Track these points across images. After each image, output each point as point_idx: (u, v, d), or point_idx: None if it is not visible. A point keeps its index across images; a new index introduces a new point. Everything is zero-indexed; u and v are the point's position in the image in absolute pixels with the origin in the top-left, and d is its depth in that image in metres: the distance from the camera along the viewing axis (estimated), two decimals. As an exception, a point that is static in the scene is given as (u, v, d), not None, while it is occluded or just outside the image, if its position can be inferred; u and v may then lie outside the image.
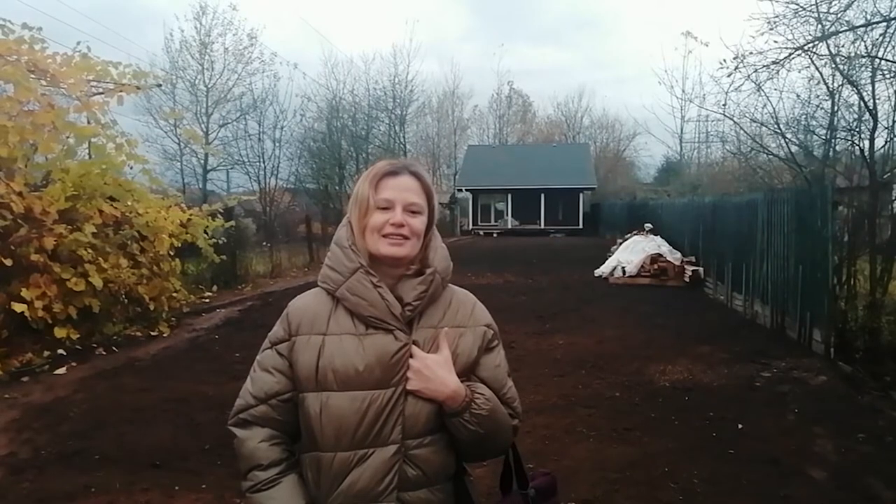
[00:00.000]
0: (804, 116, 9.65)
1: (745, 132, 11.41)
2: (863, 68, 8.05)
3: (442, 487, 1.38)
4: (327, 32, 77.64)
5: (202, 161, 29.07)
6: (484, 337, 1.44)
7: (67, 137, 7.68)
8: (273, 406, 1.37)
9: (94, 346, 7.42)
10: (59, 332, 6.89)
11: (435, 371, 1.32)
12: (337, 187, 28.58)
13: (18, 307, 6.37)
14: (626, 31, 77.90)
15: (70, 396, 5.62)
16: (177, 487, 3.75)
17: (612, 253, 15.19)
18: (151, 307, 8.49)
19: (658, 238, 14.76)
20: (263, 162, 23.56)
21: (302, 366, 1.34)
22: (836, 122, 8.87)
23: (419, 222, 1.37)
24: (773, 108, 9.74)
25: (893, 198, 8.05)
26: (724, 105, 10.18)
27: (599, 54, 76.84)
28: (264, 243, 16.41)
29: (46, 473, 3.97)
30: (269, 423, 1.38)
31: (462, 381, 1.35)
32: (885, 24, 7.36)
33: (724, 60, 8.88)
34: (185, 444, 4.42)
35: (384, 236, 1.34)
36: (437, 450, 1.36)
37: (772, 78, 8.75)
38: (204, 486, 3.77)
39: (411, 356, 1.33)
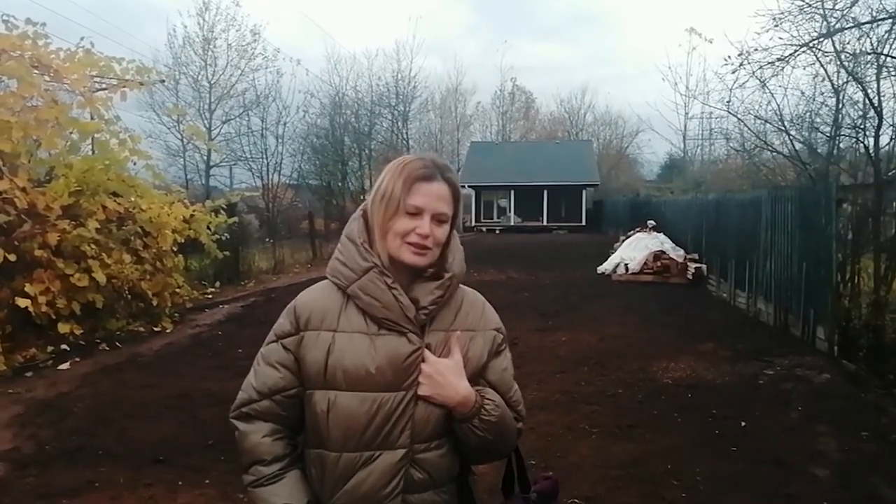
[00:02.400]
0: (809, 114, 9.63)
1: (749, 129, 11.40)
2: (868, 65, 8.02)
3: (446, 489, 1.37)
4: (330, 29, 77.59)
5: (205, 157, 29.12)
6: (494, 341, 1.41)
7: (71, 133, 7.68)
8: (277, 401, 1.34)
9: (98, 341, 7.43)
10: (63, 328, 6.91)
11: (447, 377, 1.29)
12: (340, 183, 28.63)
13: (22, 302, 6.38)
14: (628, 28, 77.80)
15: (73, 392, 5.63)
16: (180, 483, 3.76)
17: (615, 250, 15.17)
18: (154, 303, 8.51)
19: (661, 235, 14.73)
20: (266, 158, 23.67)
21: (310, 362, 1.31)
22: (840, 120, 8.85)
23: (443, 232, 1.33)
24: (778, 105, 9.74)
25: (898, 195, 8.01)
26: (729, 102, 10.18)
27: (602, 51, 76.68)
28: (267, 239, 16.44)
29: (50, 469, 3.98)
30: (272, 418, 1.35)
31: (473, 386, 1.34)
32: (890, 20, 7.33)
33: (729, 57, 8.88)
34: (188, 440, 4.43)
35: (408, 243, 1.30)
36: (444, 453, 1.34)
37: (776, 75, 8.75)
38: (207, 482, 3.77)
39: (423, 360, 1.31)
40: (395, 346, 1.30)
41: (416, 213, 1.30)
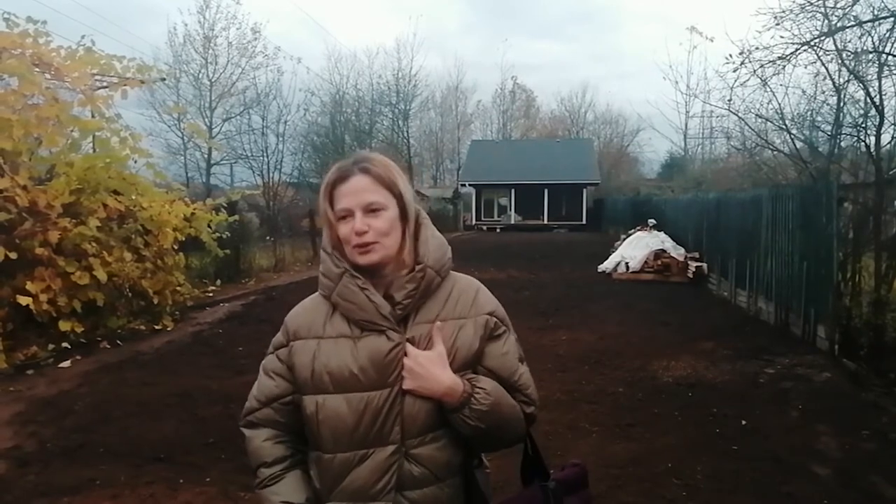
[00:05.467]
0: (810, 112, 9.61)
1: (750, 128, 11.36)
2: (869, 64, 8.01)
3: (451, 482, 1.36)
4: (330, 27, 77.53)
5: (206, 155, 29.10)
6: (486, 326, 1.39)
7: (72, 131, 7.69)
8: (275, 409, 1.41)
9: (99, 339, 7.44)
10: (64, 326, 6.92)
11: (428, 368, 1.29)
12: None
13: (23, 300, 6.39)
14: (629, 25, 77.64)
15: (74, 390, 5.64)
16: (181, 481, 3.77)
17: (616, 248, 15.16)
18: (155, 301, 8.51)
19: (662, 234, 14.72)
20: (267, 156, 23.55)
21: (299, 369, 1.35)
22: (841, 118, 8.82)
23: (383, 221, 1.31)
24: (779, 104, 9.70)
25: (899, 194, 8.00)
26: (730, 100, 10.15)
27: (602, 48, 76.64)
28: (268, 237, 16.41)
29: (51, 467, 3.99)
30: (273, 425, 1.42)
31: (465, 375, 1.33)
32: (892, 19, 7.31)
33: (730, 55, 8.86)
34: (189, 438, 4.44)
35: (354, 246, 1.31)
36: (441, 446, 1.34)
37: (777, 73, 8.72)
38: (208, 480, 3.78)
39: (405, 355, 1.31)
40: (375, 345, 1.31)
41: (346, 215, 1.32)
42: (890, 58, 7.56)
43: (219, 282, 12.16)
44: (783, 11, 7.99)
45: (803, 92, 9.71)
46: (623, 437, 4.39)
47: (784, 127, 9.78)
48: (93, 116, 7.90)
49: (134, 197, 8.42)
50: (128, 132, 8.20)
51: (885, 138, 7.79)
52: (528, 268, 14.89)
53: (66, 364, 6.50)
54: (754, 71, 8.72)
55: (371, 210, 1.31)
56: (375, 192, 1.32)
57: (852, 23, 7.61)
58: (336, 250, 1.36)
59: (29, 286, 6.51)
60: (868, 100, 7.88)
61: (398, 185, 1.35)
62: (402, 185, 1.36)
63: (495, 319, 1.42)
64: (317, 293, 1.42)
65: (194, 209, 9.52)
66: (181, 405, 5.16)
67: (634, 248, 13.86)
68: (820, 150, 9.52)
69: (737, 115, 10.80)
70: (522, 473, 1.53)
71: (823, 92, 9.10)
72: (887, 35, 7.47)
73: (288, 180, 25.48)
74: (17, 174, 6.68)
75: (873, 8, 7.57)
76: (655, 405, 5.05)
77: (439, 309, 1.37)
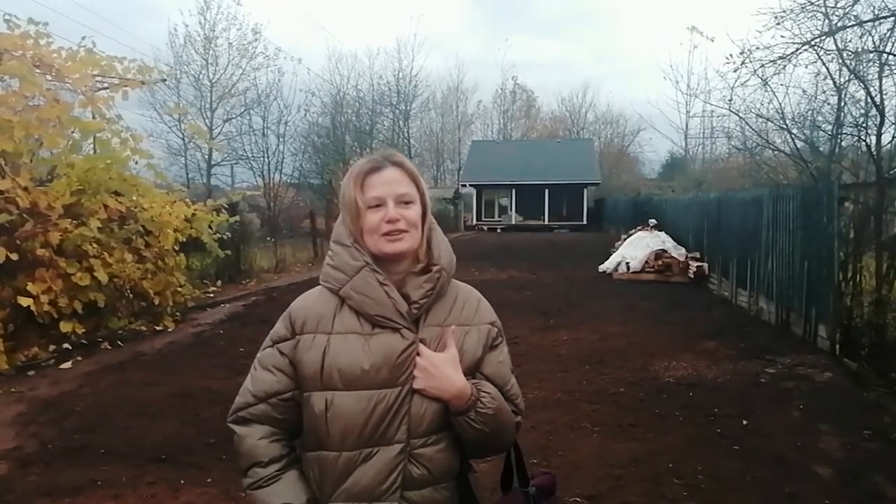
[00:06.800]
0: (810, 112, 9.64)
1: (751, 128, 11.40)
2: (870, 63, 8.02)
3: (447, 485, 1.38)
4: (331, 27, 77.64)
5: (206, 156, 29.17)
6: (488, 335, 1.43)
7: (73, 132, 7.68)
8: (273, 405, 1.36)
9: (100, 340, 7.44)
10: (65, 327, 6.91)
11: (441, 369, 1.31)
12: (341, 182, 28.67)
13: (24, 301, 6.39)
14: (629, 25, 77.71)
15: (76, 391, 5.64)
16: (182, 481, 3.77)
17: (617, 248, 15.16)
18: (156, 302, 8.51)
19: (662, 234, 14.71)
20: (267, 157, 23.69)
21: (307, 365, 1.33)
22: (842, 118, 8.84)
23: (413, 212, 1.35)
24: (779, 104, 9.74)
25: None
26: (730, 100, 10.18)
27: (603, 48, 76.66)
28: (268, 238, 16.43)
29: (53, 467, 3.99)
30: (269, 422, 1.37)
31: (468, 380, 1.35)
32: (893, 18, 7.33)
33: (731, 55, 8.89)
34: (190, 439, 4.44)
35: (383, 235, 1.32)
36: (443, 448, 1.35)
37: (778, 73, 8.76)
38: (209, 481, 3.78)
39: (418, 354, 1.32)
40: (389, 343, 1.31)
41: (378, 203, 1.33)
42: (890, 57, 7.57)
43: (219, 282, 12.17)
44: (784, 11, 8.03)
45: (804, 92, 9.76)
46: (624, 437, 4.39)
47: (785, 127, 9.80)
48: (94, 117, 7.89)
49: (135, 198, 8.42)
50: (129, 133, 8.18)
51: (886, 138, 7.82)
52: (529, 268, 14.88)
53: (68, 365, 6.50)
54: (755, 71, 8.76)
55: (403, 201, 1.34)
56: (407, 185, 1.36)
57: (853, 22, 7.64)
58: (357, 242, 1.35)
59: (30, 287, 6.51)
60: (869, 99, 7.90)
61: (422, 185, 1.40)
62: (425, 186, 1.42)
63: (496, 329, 1.46)
64: (319, 287, 1.41)
65: (195, 210, 9.52)
66: (182, 406, 5.16)
67: (635, 249, 13.85)
68: (821, 149, 9.54)
69: (737, 114, 10.85)
70: (502, 480, 1.55)
71: (824, 91, 9.14)
72: (888, 34, 7.50)
73: (288, 181, 25.58)
74: (18, 175, 6.69)
75: (874, 7, 7.60)
76: (657, 405, 5.05)
77: (447, 313, 1.39)
